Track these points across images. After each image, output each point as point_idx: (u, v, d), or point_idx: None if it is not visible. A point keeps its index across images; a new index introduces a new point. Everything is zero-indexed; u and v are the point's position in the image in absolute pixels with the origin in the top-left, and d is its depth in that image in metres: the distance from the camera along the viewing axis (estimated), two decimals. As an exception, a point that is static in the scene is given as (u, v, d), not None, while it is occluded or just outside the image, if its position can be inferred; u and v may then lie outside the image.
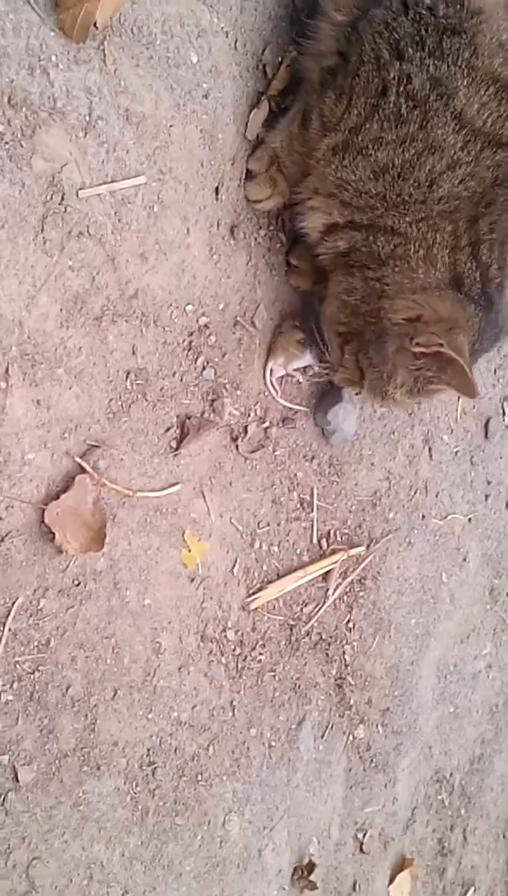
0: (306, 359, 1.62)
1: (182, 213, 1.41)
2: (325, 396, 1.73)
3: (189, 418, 1.50)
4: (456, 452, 2.05)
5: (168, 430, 1.48)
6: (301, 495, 1.74)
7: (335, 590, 1.80)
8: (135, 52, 1.27)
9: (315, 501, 1.76)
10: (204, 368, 1.52)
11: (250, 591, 1.66)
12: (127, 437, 1.42)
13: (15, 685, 1.34)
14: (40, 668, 1.36)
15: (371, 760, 1.96)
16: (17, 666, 1.34)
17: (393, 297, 1.30)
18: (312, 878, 1.81)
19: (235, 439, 1.59)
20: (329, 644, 1.81)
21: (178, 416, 1.49)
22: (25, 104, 1.17)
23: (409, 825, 2.12)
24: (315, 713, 1.81)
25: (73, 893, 1.43)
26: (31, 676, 1.35)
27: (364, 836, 1.98)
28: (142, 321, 1.40)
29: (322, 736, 1.83)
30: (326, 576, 1.79)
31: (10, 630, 1.32)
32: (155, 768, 1.52)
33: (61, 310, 1.29)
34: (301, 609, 1.75)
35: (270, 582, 1.69)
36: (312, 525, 1.76)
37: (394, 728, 2.00)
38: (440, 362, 1.29)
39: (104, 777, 1.45)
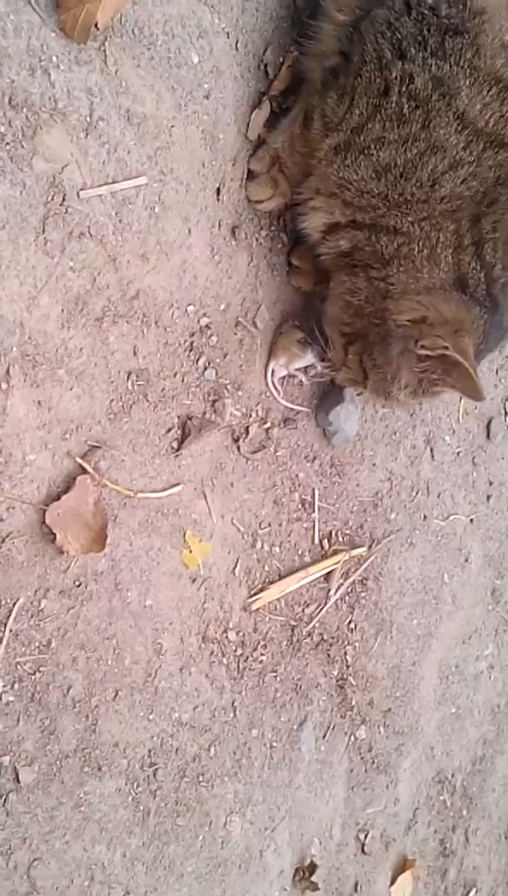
0: (308, 358, 1.62)
1: (183, 213, 1.41)
2: (326, 397, 1.73)
3: (190, 419, 1.50)
4: (458, 453, 2.05)
5: (169, 430, 1.48)
6: (303, 496, 1.73)
7: (336, 590, 1.80)
8: (136, 53, 1.27)
9: (317, 502, 1.76)
10: (205, 369, 1.52)
11: (252, 592, 1.66)
12: (128, 437, 1.42)
13: (16, 686, 1.34)
14: (41, 668, 1.36)
15: (373, 761, 1.95)
16: (19, 667, 1.34)
17: (398, 297, 1.30)
18: (313, 878, 1.81)
19: (236, 440, 1.59)
20: (331, 645, 1.81)
21: (179, 417, 1.49)
22: (26, 105, 1.17)
23: (411, 826, 2.12)
24: (317, 714, 1.81)
25: (74, 894, 1.43)
26: (33, 677, 1.35)
27: (366, 836, 1.98)
28: (143, 322, 1.40)
29: (324, 737, 1.83)
30: (327, 576, 1.79)
31: (11, 631, 1.32)
32: (156, 769, 1.51)
33: (62, 310, 1.29)
34: (303, 610, 1.75)
35: (271, 583, 1.69)
36: (313, 526, 1.76)
37: (396, 729, 2.00)
38: (446, 365, 1.29)
39: (105, 778, 1.44)
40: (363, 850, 1.98)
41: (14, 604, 1.32)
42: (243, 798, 1.67)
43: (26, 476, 1.30)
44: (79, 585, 1.39)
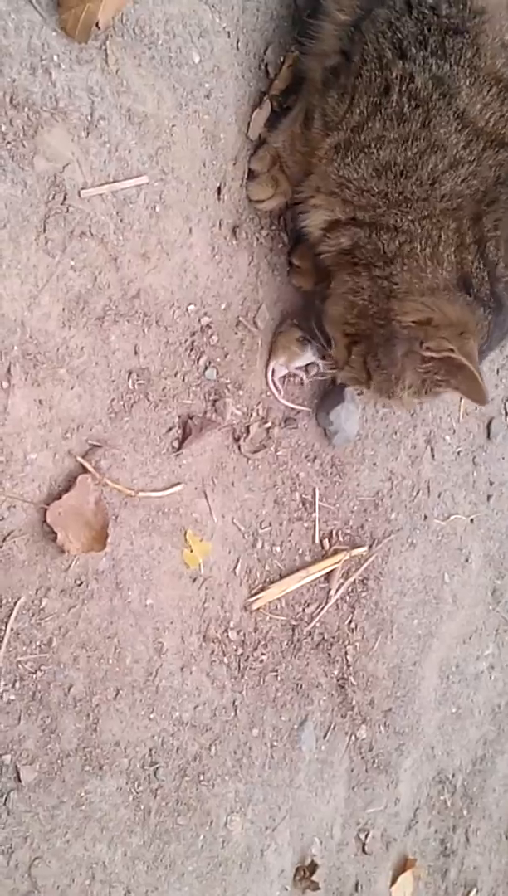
0: (308, 356, 1.62)
1: (184, 213, 1.41)
2: (327, 397, 1.73)
3: (191, 418, 1.50)
4: (459, 453, 2.05)
5: (170, 430, 1.48)
6: (303, 495, 1.74)
7: (337, 590, 1.80)
8: (137, 52, 1.27)
9: (317, 502, 1.76)
10: (206, 368, 1.52)
11: (252, 592, 1.66)
12: (129, 436, 1.42)
13: (17, 685, 1.34)
14: (42, 667, 1.36)
15: (374, 761, 1.95)
16: (20, 665, 1.34)
17: (402, 297, 1.30)
18: (314, 878, 1.81)
19: (237, 439, 1.59)
20: (331, 644, 1.81)
21: (180, 416, 1.49)
22: (27, 104, 1.17)
23: (411, 826, 2.12)
24: (317, 713, 1.81)
25: (75, 893, 1.43)
26: (34, 676, 1.35)
27: (366, 836, 1.98)
28: (144, 321, 1.40)
29: (324, 736, 1.83)
30: (328, 576, 1.79)
31: (12, 630, 1.32)
32: (157, 768, 1.51)
33: (63, 310, 1.29)
34: (303, 609, 1.75)
35: (272, 582, 1.69)
36: (314, 525, 1.76)
37: (396, 728, 2.00)
38: (450, 367, 1.29)
39: (106, 777, 1.44)
40: (363, 850, 1.98)
41: (15, 603, 1.32)
42: (244, 797, 1.67)
43: (27, 475, 1.30)
44: (80, 584, 1.39)
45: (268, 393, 1.64)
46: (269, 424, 1.65)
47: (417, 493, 1.96)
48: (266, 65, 1.49)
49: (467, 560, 2.12)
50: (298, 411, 1.70)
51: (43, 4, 1.16)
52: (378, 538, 1.89)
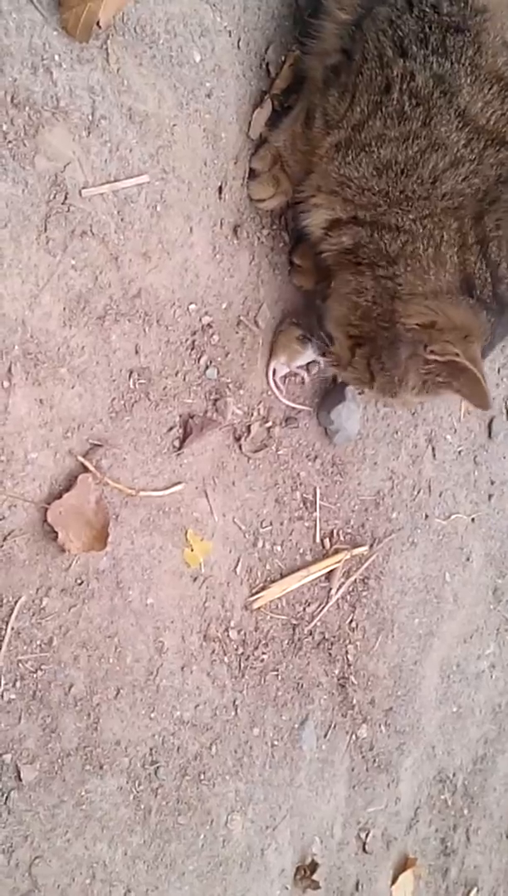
0: (308, 355, 1.62)
1: (185, 212, 1.41)
2: (328, 396, 1.73)
3: (192, 417, 1.50)
4: (460, 452, 2.05)
5: (171, 429, 1.48)
6: (304, 495, 1.73)
7: (337, 589, 1.80)
8: (138, 52, 1.27)
9: (318, 501, 1.76)
10: (207, 368, 1.52)
11: (253, 591, 1.66)
12: (130, 436, 1.42)
13: (18, 684, 1.34)
14: (43, 666, 1.36)
15: (374, 760, 1.96)
16: (20, 665, 1.34)
17: (406, 299, 1.30)
18: (314, 877, 1.81)
19: (238, 439, 1.59)
20: (332, 644, 1.81)
21: (181, 416, 1.49)
22: (28, 103, 1.17)
23: (412, 825, 2.12)
24: (318, 713, 1.81)
25: (75, 892, 1.43)
26: (34, 675, 1.35)
27: (367, 835, 1.98)
28: (145, 320, 1.40)
29: (325, 735, 1.83)
30: (329, 575, 1.79)
31: (12, 629, 1.32)
32: (158, 767, 1.52)
33: (64, 309, 1.29)
34: (304, 609, 1.75)
35: (273, 581, 1.69)
36: (315, 524, 1.76)
37: (397, 728, 2.00)
38: (454, 370, 1.29)
39: (107, 776, 1.45)
40: (364, 849, 1.98)
41: (16, 602, 1.32)
42: (245, 796, 1.67)
43: (28, 474, 1.30)
44: (80, 584, 1.39)
45: (269, 392, 1.64)
46: (270, 424, 1.65)
47: (418, 493, 1.96)
48: (267, 64, 1.49)
49: (468, 559, 2.12)
50: (299, 410, 1.70)
51: (44, 4, 1.16)
52: (379, 537, 1.89)
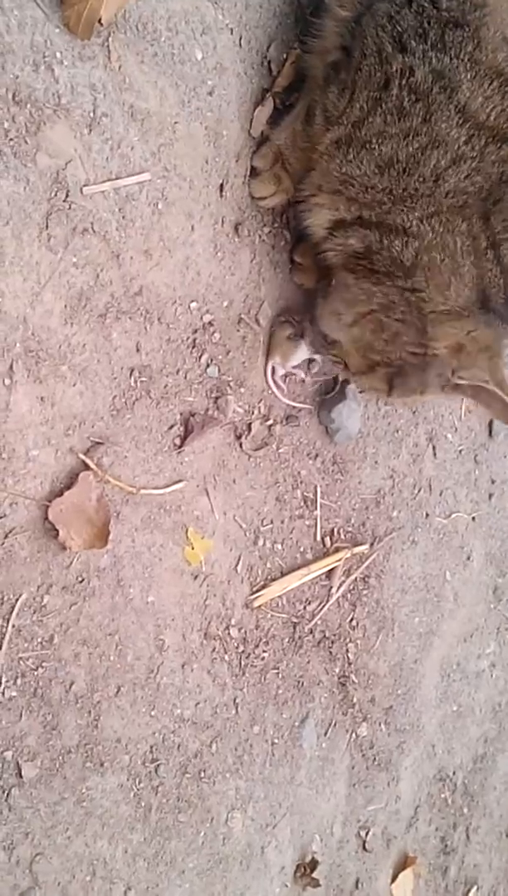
0: (302, 353, 1.61)
1: (187, 210, 1.41)
2: (329, 394, 1.73)
3: (193, 415, 1.50)
4: (460, 451, 2.05)
5: (172, 427, 1.48)
6: (305, 493, 1.74)
7: (338, 588, 1.80)
8: (140, 49, 1.27)
9: (319, 499, 1.76)
10: (208, 366, 1.52)
11: (254, 589, 1.66)
12: (131, 434, 1.42)
13: (18, 681, 1.34)
14: (44, 664, 1.36)
15: (374, 758, 1.96)
16: (21, 662, 1.34)
17: (433, 319, 1.28)
18: (314, 875, 1.81)
19: (238, 437, 1.59)
20: (333, 642, 1.81)
21: (182, 414, 1.49)
22: (30, 101, 1.17)
23: (412, 823, 2.12)
24: (318, 711, 1.81)
25: (76, 889, 1.43)
26: (35, 673, 1.35)
27: (367, 833, 1.98)
28: (146, 318, 1.40)
29: (325, 734, 1.83)
30: (329, 574, 1.79)
31: (13, 626, 1.32)
32: (158, 765, 1.52)
33: (65, 307, 1.29)
34: (305, 607, 1.75)
35: (273, 580, 1.69)
36: (315, 523, 1.76)
37: (397, 726, 2.00)
38: (480, 391, 1.29)
39: (107, 773, 1.45)
40: (364, 847, 1.98)
41: (17, 599, 1.32)
42: (245, 794, 1.67)
43: (29, 472, 1.30)
44: (81, 581, 1.39)
45: (270, 391, 1.64)
46: (271, 422, 1.65)
47: (418, 491, 1.96)
48: (269, 62, 1.48)
49: (468, 558, 2.12)
50: (299, 409, 1.70)
51: (46, 1, 1.16)
52: (380, 536, 1.89)
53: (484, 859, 2.36)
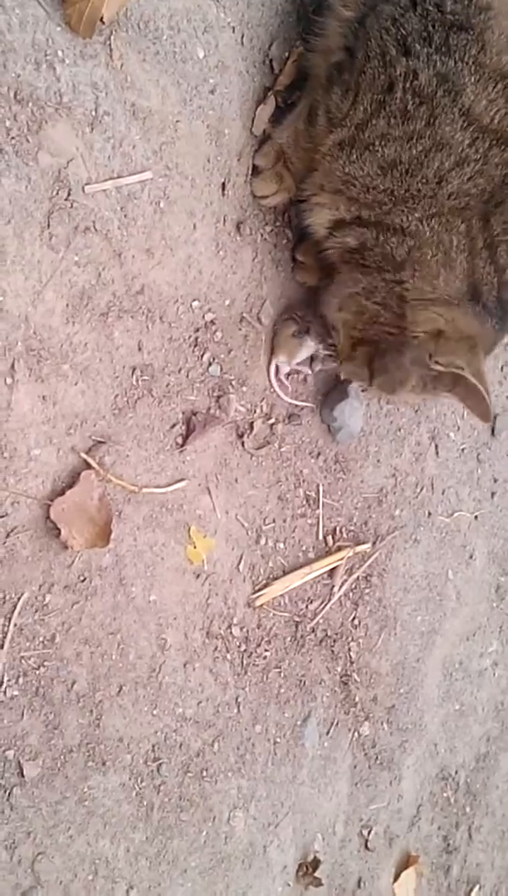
0: (307, 349, 1.61)
1: (188, 208, 1.40)
2: (331, 393, 1.73)
3: (195, 414, 1.50)
4: (463, 450, 2.05)
5: (174, 426, 1.48)
6: (307, 492, 1.73)
7: (340, 587, 1.80)
8: (141, 48, 1.27)
9: (321, 498, 1.75)
10: (210, 364, 1.51)
11: (256, 588, 1.66)
12: (133, 433, 1.42)
13: (20, 680, 1.34)
14: (46, 663, 1.36)
15: (377, 757, 1.96)
16: (23, 661, 1.34)
17: (414, 305, 1.29)
18: (317, 874, 1.81)
19: (240, 436, 1.59)
20: (335, 641, 1.81)
21: (183, 413, 1.49)
22: (32, 99, 1.17)
23: (414, 822, 2.12)
24: (320, 710, 1.81)
25: (78, 888, 1.43)
26: (37, 672, 1.35)
27: (369, 833, 1.98)
28: (148, 317, 1.40)
29: (327, 733, 1.83)
30: (331, 573, 1.79)
31: (15, 625, 1.32)
32: (160, 764, 1.52)
33: (67, 305, 1.29)
34: (307, 606, 1.75)
35: (275, 578, 1.69)
36: (317, 522, 1.76)
37: (399, 725, 2.00)
38: (455, 377, 1.29)
39: (109, 773, 1.45)
40: (366, 847, 1.98)
41: (19, 598, 1.32)
42: (247, 793, 1.67)
43: (31, 471, 1.30)
44: (83, 580, 1.39)
45: (272, 389, 1.64)
46: (273, 421, 1.65)
47: (421, 490, 1.96)
48: (271, 60, 1.48)
49: (471, 557, 2.12)
50: (302, 407, 1.70)
51: (47, 0, 1.16)
52: (382, 535, 1.88)
53: (487, 858, 2.36)
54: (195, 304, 1.47)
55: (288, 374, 1.65)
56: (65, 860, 1.41)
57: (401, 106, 1.22)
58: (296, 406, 1.69)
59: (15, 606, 1.32)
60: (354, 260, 1.36)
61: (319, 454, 1.75)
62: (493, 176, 1.23)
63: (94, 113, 1.23)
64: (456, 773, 2.22)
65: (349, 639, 1.84)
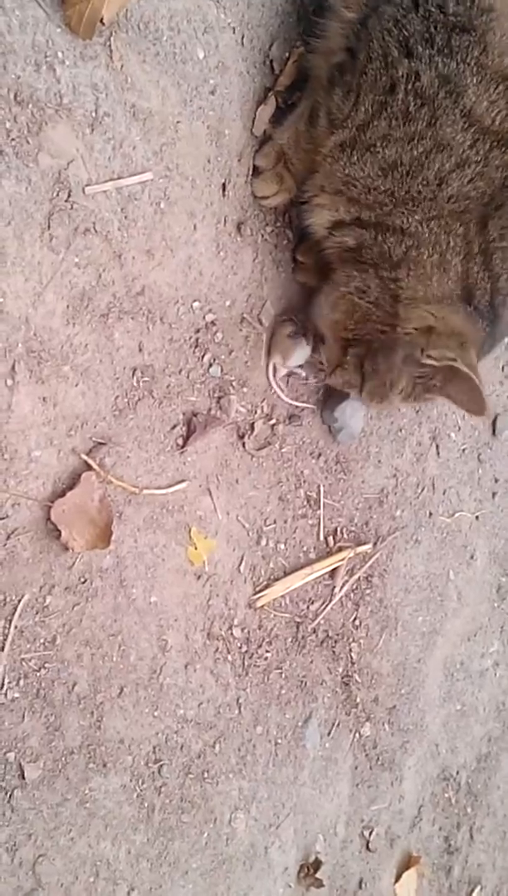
0: (304, 351, 1.61)
1: (189, 209, 1.40)
2: (332, 393, 1.73)
3: (196, 415, 1.50)
4: (464, 450, 2.05)
5: (175, 427, 1.48)
6: (308, 493, 1.73)
7: (341, 587, 1.80)
8: (141, 49, 1.27)
9: (322, 499, 1.75)
10: (211, 365, 1.51)
11: (257, 589, 1.66)
12: (133, 434, 1.42)
13: (21, 682, 1.34)
14: (46, 665, 1.36)
15: (378, 758, 1.95)
16: (24, 663, 1.34)
17: (407, 303, 1.30)
18: (318, 875, 1.81)
19: (241, 436, 1.59)
20: (336, 642, 1.81)
21: (184, 414, 1.49)
22: (32, 101, 1.16)
23: (415, 823, 2.12)
24: (322, 711, 1.81)
25: (79, 891, 1.43)
26: (38, 674, 1.35)
27: (371, 833, 1.98)
28: (148, 318, 1.40)
29: (329, 733, 1.83)
30: (332, 573, 1.78)
31: (16, 627, 1.32)
32: (161, 766, 1.52)
33: (68, 307, 1.29)
34: (308, 606, 1.75)
35: (276, 579, 1.69)
36: (318, 522, 1.76)
37: (401, 726, 2.00)
38: (448, 375, 1.29)
39: (110, 774, 1.45)
40: (367, 847, 1.98)
41: (19, 600, 1.32)
42: (248, 795, 1.67)
43: (31, 472, 1.30)
44: (84, 582, 1.39)
45: (272, 391, 1.64)
46: (273, 421, 1.64)
47: (422, 491, 1.96)
48: (271, 61, 1.48)
49: (472, 557, 2.12)
50: (302, 408, 1.70)
51: (47, 1, 1.16)
52: (383, 535, 1.88)
53: (488, 859, 2.36)
54: (196, 304, 1.47)
55: (287, 376, 1.65)
56: (66, 862, 1.41)
57: (403, 107, 1.22)
58: (297, 407, 1.69)
59: (16, 608, 1.32)
60: (351, 257, 1.36)
61: (320, 455, 1.75)
62: (493, 178, 1.24)
63: (94, 114, 1.23)
64: (458, 773, 2.22)
65: (351, 639, 1.84)
